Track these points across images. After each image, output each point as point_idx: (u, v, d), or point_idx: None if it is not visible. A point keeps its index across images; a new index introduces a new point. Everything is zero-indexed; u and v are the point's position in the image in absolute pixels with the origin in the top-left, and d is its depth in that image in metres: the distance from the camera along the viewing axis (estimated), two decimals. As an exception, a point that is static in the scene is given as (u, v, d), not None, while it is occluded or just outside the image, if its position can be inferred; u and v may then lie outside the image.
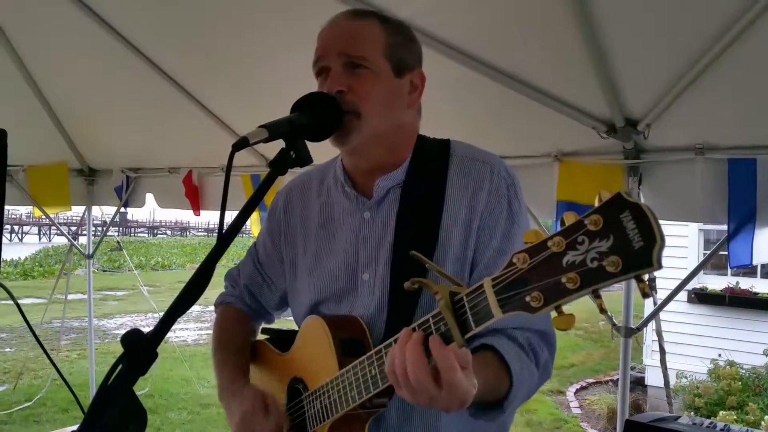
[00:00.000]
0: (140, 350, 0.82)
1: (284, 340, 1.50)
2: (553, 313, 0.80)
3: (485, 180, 1.30)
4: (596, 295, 0.77)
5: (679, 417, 2.10)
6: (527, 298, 0.81)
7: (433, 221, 1.28)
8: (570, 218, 0.77)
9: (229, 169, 1.01)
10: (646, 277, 0.73)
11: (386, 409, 1.24)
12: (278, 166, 1.07)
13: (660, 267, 0.70)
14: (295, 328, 1.51)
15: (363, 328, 1.28)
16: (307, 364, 1.35)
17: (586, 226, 0.74)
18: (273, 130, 1.05)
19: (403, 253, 1.27)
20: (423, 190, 1.31)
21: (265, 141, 1.04)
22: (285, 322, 1.66)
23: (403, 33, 1.36)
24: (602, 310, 0.78)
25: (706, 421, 2.02)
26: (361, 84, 1.26)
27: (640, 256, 0.71)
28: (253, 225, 4.22)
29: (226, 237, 0.96)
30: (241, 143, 1.00)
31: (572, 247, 0.76)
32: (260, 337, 1.63)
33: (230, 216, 1.08)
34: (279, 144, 1.11)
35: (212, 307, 1.71)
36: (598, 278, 0.74)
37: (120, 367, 0.81)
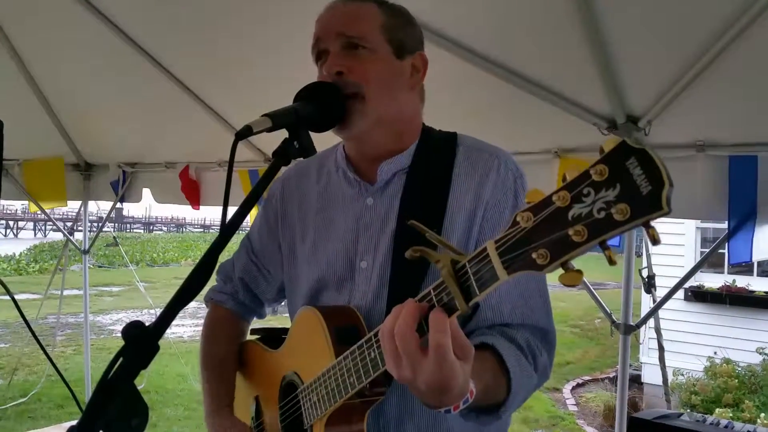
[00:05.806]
0: (142, 343, 0.80)
1: (275, 338, 1.47)
2: (560, 270, 0.77)
3: (492, 171, 1.27)
4: (604, 247, 0.74)
5: (682, 414, 2.09)
6: (533, 255, 0.77)
7: (438, 208, 1.25)
8: (572, 173, 0.74)
9: (232, 158, 0.99)
10: (653, 222, 0.71)
11: (385, 399, 1.21)
12: (282, 156, 1.04)
13: (670, 210, 0.68)
14: (285, 326, 1.47)
15: (357, 316, 1.25)
16: (302, 356, 1.31)
17: (591, 177, 0.72)
18: (277, 120, 1.03)
19: (405, 240, 1.24)
20: (429, 176, 1.29)
21: (269, 130, 1.01)
22: (281, 320, 1.63)
23: (403, 16, 1.33)
24: (611, 262, 0.76)
25: (710, 418, 2.02)
26: (360, 64, 1.23)
27: (649, 200, 0.69)
28: (251, 220, 4.19)
29: (228, 229, 0.94)
30: (245, 131, 0.98)
31: (578, 200, 0.73)
32: (250, 337, 1.59)
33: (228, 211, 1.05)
34: (277, 138, 1.08)
35: (209, 304, 1.67)
36: (605, 228, 0.72)
37: (121, 360, 0.78)
